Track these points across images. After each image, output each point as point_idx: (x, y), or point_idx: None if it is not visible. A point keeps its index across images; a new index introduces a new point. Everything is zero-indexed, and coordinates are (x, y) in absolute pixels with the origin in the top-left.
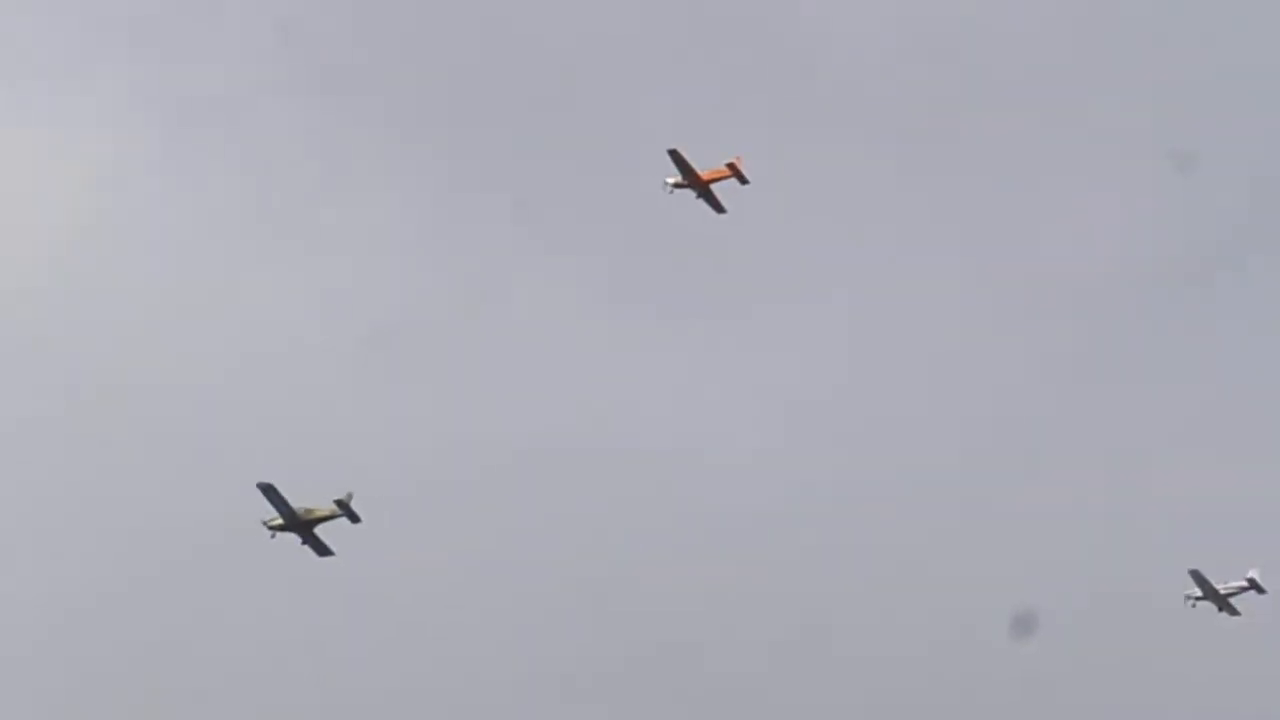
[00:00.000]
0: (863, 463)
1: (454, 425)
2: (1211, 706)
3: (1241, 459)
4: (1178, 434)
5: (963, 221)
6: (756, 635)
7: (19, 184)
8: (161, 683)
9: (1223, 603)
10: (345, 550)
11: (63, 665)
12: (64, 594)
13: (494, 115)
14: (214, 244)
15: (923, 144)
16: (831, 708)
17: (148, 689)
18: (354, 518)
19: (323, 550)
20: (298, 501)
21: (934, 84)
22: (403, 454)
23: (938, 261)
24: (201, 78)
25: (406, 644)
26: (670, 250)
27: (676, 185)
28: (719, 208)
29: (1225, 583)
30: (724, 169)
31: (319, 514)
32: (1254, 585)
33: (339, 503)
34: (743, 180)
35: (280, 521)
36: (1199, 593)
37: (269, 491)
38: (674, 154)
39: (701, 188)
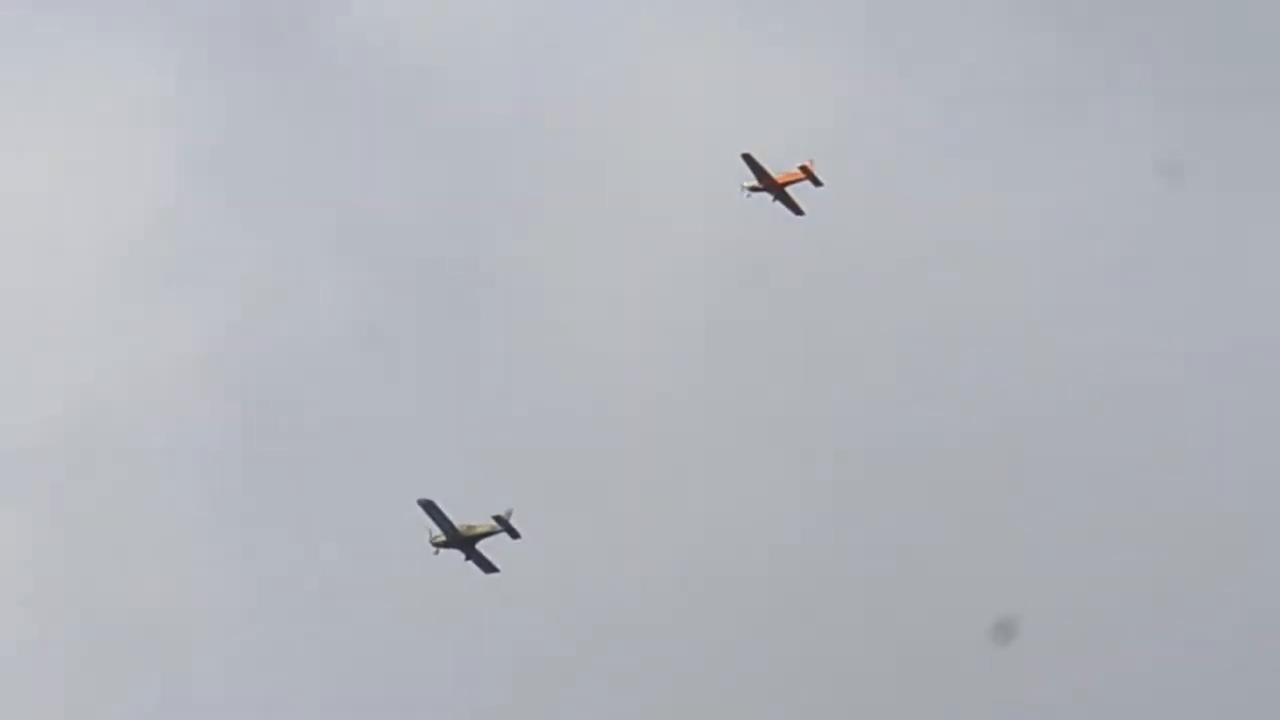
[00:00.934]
0: None
1: None
2: None
3: None
4: None
5: None
6: None
7: None
8: None
9: (779, 193)
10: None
11: None
12: None
13: None
14: None
15: None
16: None
17: None
18: (513, 534)
19: (488, 567)
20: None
21: None
22: None
23: None
24: None
25: None
26: None
27: (753, 189)
28: (797, 210)
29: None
30: (798, 172)
31: (479, 530)
32: (809, 176)
33: (498, 518)
34: (816, 183)
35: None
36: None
37: (429, 508)
38: (748, 158)
39: (777, 191)
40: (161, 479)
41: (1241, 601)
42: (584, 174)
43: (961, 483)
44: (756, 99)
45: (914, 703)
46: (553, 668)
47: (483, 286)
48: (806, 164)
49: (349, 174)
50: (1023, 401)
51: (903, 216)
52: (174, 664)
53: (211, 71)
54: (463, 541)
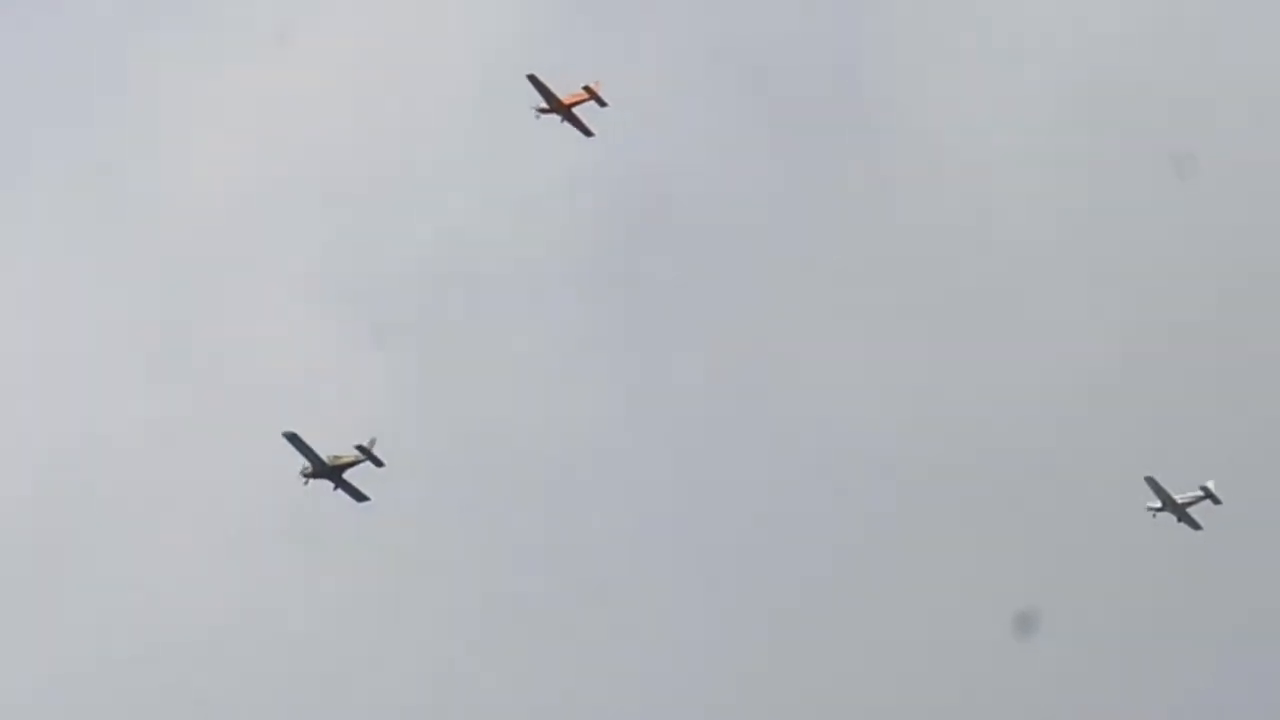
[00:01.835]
0: None
1: None
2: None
3: None
4: None
5: None
6: None
7: None
8: None
9: (1181, 513)
10: None
11: None
12: None
13: None
14: None
15: None
16: None
17: None
18: (377, 462)
19: (359, 496)
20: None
21: None
22: None
23: None
24: None
25: None
26: None
27: (542, 110)
28: (586, 131)
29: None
30: (581, 93)
31: (344, 460)
32: (1209, 495)
33: (360, 448)
34: (601, 103)
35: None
36: (1158, 503)
37: (294, 440)
38: (533, 79)
39: (564, 112)
40: (536, 304)
41: None
42: None
43: None
44: None
45: None
46: None
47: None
48: (591, 85)
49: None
50: None
51: None
52: (551, 483)
53: None
54: (330, 472)
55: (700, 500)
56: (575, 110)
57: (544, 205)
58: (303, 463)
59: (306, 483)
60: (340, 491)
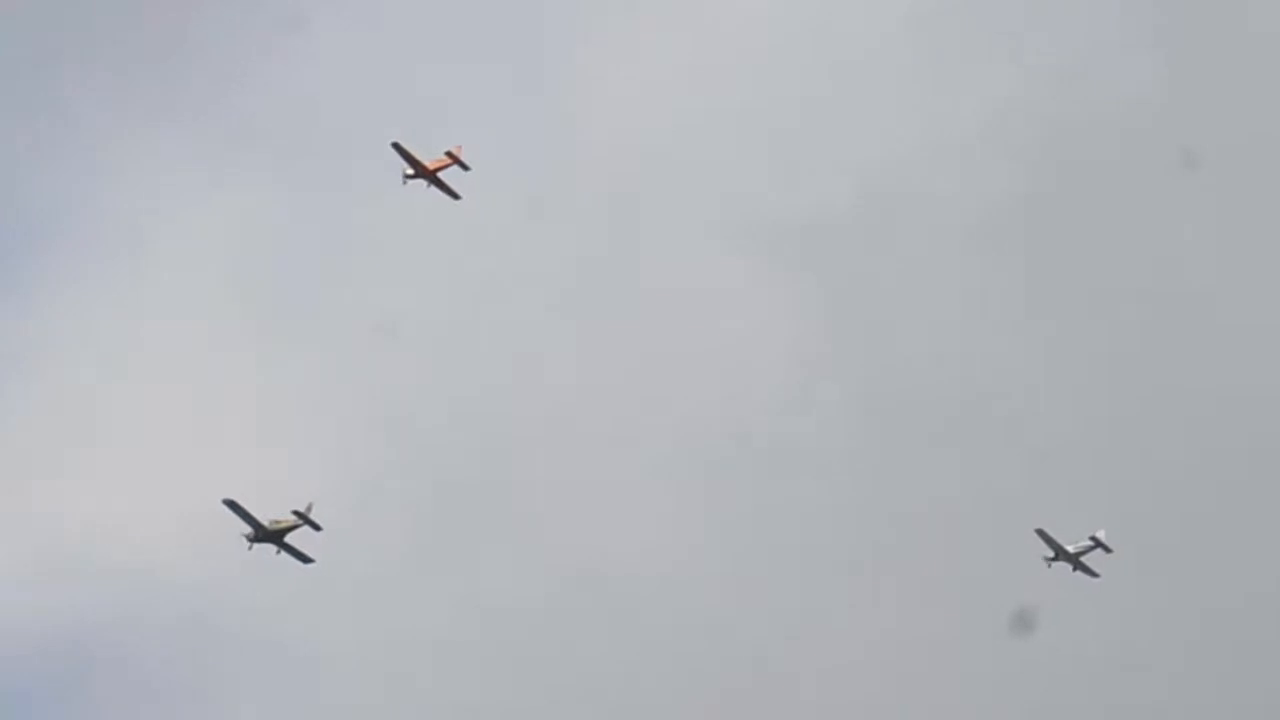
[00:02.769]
0: None
1: None
2: None
3: None
4: None
5: None
6: None
7: None
8: None
9: (1076, 563)
10: None
11: None
12: None
13: None
14: None
15: None
16: None
17: None
18: (315, 526)
19: (303, 559)
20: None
21: None
22: None
23: None
24: None
25: None
26: None
27: (409, 176)
28: (453, 194)
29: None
30: (444, 159)
31: (284, 525)
32: (1099, 544)
33: (298, 514)
34: (464, 167)
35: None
36: (1051, 553)
37: (233, 506)
38: (397, 147)
39: (430, 177)
40: (954, 250)
41: None
42: None
43: None
44: None
45: None
46: None
47: None
48: (453, 150)
49: None
50: None
51: None
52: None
53: None
54: (270, 535)
55: None
56: (440, 174)
57: (966, 145)
58: (244, 528)
59: (250, 547)
60: (284, 554)
